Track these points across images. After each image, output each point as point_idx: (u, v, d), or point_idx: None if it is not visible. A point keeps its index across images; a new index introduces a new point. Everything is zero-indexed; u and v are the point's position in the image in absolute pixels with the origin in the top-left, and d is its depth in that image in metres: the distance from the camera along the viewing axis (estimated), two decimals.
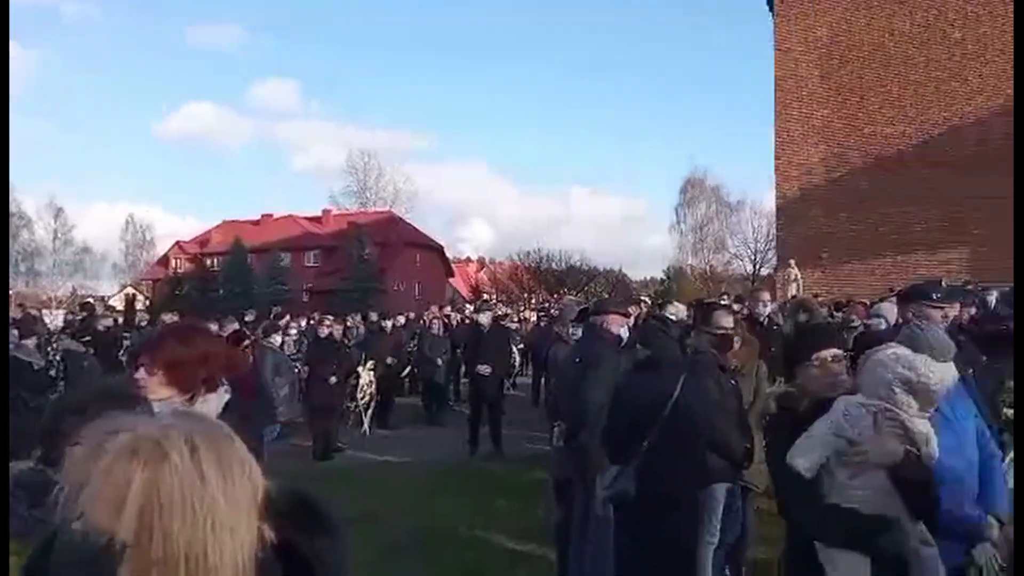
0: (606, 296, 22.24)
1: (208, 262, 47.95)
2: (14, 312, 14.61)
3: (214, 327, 10.21)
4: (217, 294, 40.64)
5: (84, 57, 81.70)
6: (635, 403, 3.85)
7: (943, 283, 4.52)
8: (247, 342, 9.57)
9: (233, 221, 53.44)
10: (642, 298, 16.86)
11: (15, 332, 10.11)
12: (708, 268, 48.79)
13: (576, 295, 33.89)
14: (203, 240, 52.94)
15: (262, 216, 54.43)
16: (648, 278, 55.43)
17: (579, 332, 5.66)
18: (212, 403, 2.49)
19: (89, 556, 0.97)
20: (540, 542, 5.64)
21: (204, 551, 0.99)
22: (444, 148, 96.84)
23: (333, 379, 10.19)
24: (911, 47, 18.79)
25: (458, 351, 12.48)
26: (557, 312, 12.63)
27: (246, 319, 13.55)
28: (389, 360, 12.23)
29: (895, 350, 2.53)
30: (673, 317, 6.72)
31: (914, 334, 2.84)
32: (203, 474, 1.01)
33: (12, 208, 48.20)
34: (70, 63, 79.19)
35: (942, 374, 2.69)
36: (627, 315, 4.91)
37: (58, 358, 11.31)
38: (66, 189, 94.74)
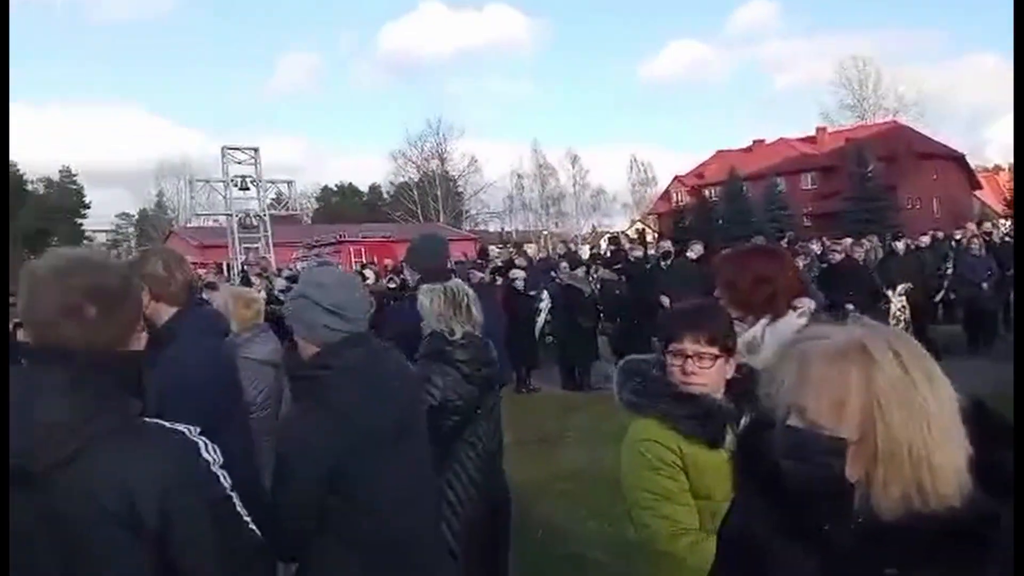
0: None
1: (706, 193, 49.64)
2: (506, 254, 16.74)
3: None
4: (718, 224, 41.88)
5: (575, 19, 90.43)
6: None
7: None
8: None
9: (725, 151, 54.14)
10: None
11: (520, 272, 11.55)
12: None
13: None
14: (699, 173, 54.86)
15: (753, 142, 54.07)
16: None
17: None
18: (782, 330, 2.34)
19: (819, 450, 1.03)
20: None
21: (925, 446, 1.00)
22: (955, 43, 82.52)
23: (850, 307, 9.66)
24: None
25: (1007, 274, 10.69)
26: None
27: None
28: (913, 285, 11.10)
29: None
30: None
31: None
32: (910, 376, 1.03)
33: (539, 160, 57.12)
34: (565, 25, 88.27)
35: None
36: None
37: (597, 286, 13.03)
38: (578, 139, 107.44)
